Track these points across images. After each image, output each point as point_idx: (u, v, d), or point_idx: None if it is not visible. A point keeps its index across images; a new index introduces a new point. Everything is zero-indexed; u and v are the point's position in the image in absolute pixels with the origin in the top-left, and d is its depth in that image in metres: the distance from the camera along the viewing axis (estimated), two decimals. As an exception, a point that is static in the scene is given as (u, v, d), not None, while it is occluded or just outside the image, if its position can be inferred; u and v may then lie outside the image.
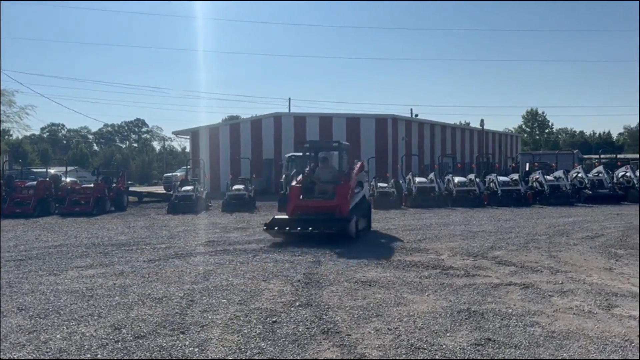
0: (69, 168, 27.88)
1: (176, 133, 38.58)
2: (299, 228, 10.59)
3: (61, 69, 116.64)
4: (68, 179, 23.25)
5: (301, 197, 11.23)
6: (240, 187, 21.02)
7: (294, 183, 11.96)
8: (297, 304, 6.03)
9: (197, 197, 20.08)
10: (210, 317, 5.57)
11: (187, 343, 4.77)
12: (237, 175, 24.96)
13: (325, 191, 11.30)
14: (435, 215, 16.57)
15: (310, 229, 10.51)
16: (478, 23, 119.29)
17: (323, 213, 10.97)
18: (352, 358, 4.40)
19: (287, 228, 10.74)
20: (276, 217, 11.34)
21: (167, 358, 4.45)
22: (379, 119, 31.03)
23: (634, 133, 75.22)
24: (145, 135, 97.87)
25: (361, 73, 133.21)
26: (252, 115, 41.42)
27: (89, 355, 4.52)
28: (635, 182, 21.58)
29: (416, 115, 43.42)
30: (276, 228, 10.85)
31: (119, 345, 4.74)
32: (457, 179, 21.36)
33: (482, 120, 38.38)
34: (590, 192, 20.93)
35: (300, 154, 22.84)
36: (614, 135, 78.26)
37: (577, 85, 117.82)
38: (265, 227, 10.99)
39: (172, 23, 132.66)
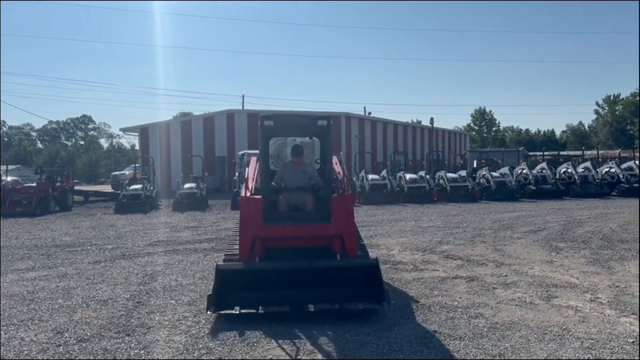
0: (11, 167, 26.73)
1: (124, 130, 37.47)
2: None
3: (3, 63, 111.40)
4: (9, 178, 22.30)
5: (265, 220, 5.89)
6: (192, 185, 20.73)
7: (245, 193, 6.38)
8: (248, 302, 5.97)
9: (146, 196, 19.63)
10: (157, 318, 5.46)
11: (132, 345, 4.65)
12: (189, 174, 24.57)
13: (299, 207, 6.34)
14: (387, 212, 16.84)
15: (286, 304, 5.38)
16: (430, 24, 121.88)
17: (309, 249, 6.04)
18: (301, 355, 4.41)
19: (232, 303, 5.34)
20: (220, 265, 5.60)
21: (111, 361, 4.34)
22: (332, 116, 31.17)
23: (576, 130, 78.67)
24: (92, 132, 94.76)
25: (315, 70, 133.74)
26: (205, 112, 40.84)
27: (27, 361, 4.35)
28: (576, 177, 22.61)
29: (369, 113, 43.90)
30: (234, 310, 5.26)
31: (61, 350, 4.58)
32: (408, 176, 21.82)
33: (432, 119, 39.23)
34: (534, 188, 21.81)
35: (254, 152, 22.24)
36: (558, 133, 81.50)
37: (524, 85, 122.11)
38: (211, 309, 5.27)
39: (121, 17, 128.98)
